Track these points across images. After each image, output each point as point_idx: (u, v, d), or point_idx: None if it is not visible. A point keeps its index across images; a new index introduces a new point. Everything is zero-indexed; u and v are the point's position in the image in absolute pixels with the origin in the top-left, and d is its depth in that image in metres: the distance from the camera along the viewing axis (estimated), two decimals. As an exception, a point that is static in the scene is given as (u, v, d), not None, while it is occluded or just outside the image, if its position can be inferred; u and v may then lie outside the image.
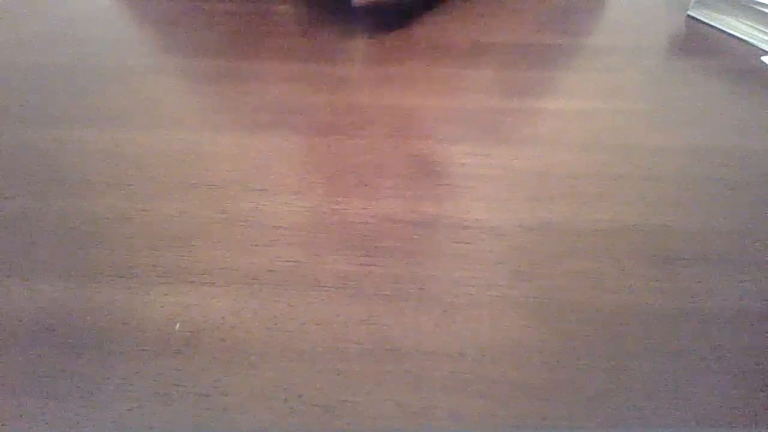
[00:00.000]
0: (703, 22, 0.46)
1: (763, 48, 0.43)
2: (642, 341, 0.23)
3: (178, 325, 0.23)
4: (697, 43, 0.44)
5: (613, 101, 0.37)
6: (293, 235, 0.27)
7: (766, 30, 0.43)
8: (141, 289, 0.25)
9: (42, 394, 0.21)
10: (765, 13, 0.43)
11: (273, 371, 0.22)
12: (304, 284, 0.25)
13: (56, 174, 0.31)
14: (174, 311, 0.24)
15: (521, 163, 0.32)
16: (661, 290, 0.25)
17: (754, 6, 0.43)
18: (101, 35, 0.45)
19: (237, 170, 0.31)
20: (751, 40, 0.43)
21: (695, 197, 0.30)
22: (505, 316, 0.24)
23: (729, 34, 0.45)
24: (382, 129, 0.34)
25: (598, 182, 0.30)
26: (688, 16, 0.47)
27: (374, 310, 0.24)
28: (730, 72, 0.40)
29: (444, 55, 0.42)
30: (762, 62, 0.41)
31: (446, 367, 0.22)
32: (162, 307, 0.24)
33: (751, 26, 0.44)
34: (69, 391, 0.21)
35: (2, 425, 0.20)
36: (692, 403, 0.21)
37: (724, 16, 0.45)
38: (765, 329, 0.23)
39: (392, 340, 0.23)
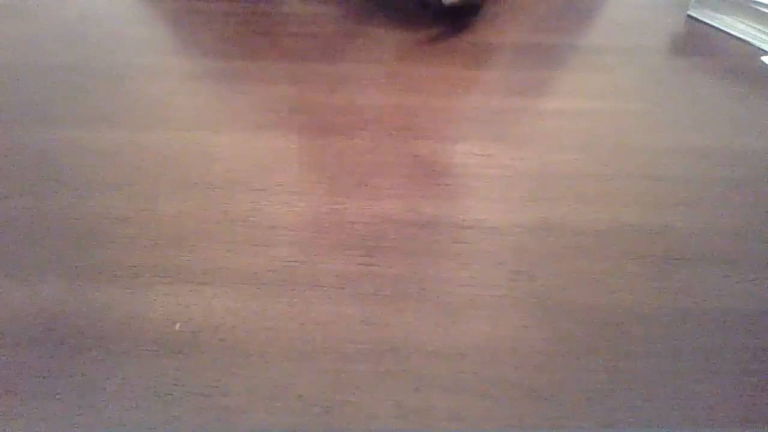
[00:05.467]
0: (703, 22, 0.46)
1: (763, 48, 0.43)
2: (642, 341, 0.23)
3: (178, 325, 0.23)
4: (697, 43, 0.44)
5: (613, 101, 0.37)
6: (293, 235, 0.27)
7: (766, 30, 0.43)
8: (141, 289, 0.25)
9: (41, 394, 0.21)
10: (765, 13, 0.43)
11: (273, 371, 0.22)
12: (304, 284, 0.25)
13: (56, 174, 0.31)
14: (174, 311, 0.24)
15: (521, 163, 0.32)
16: (661, 290, 0.25)
17: (754, 6, 0.43)
18: (101, 35, 0.45)
19: (237, 170, 0.31)
20: (751, 40, 0.43)
21: (695, 197, 0.30)
22: (505, 316, 0.24)
23: (729, 34, 0.45)
24: (382, 129, 0.34)
25: (598, 182, 0.30)
26: (688, 16, 0.47)
27: (374, 310, 0.24)
28: (730, 72, 0.40)
29: (444, 55, 0.42)
30: (762, 62, 0.41)
31: (446, 367, 0.22)
32: (162, 307, 0.24)
33: (751, 26, 0.44)
34: (69, 391, 0.21)
35: (2, 425, 0.20)
36: (692, 403, 0.21)
37: (724, 16, 0.45)
38: (765, 329, 0.23)
39: (392, 340, 0.23)
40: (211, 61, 0.41)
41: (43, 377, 0.22)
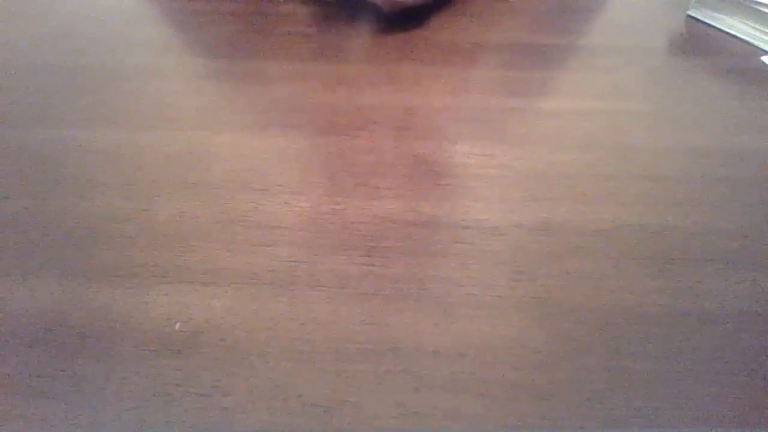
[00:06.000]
0: (703, 22, 0.46)
1: (763, 48, 0.43)
2: (642, 341, 0.23)
3: (178, 325, 0.23)
4: (697, 43, 0.44)
5: (613, 101, 0.37)
6: (293, 235, 0.27)
7: (766, 30, 0.43)
8: (141, 289, 0.25)
9: (42, 394, 0.21)
10: (765, 13, 0.43)
11: (273, 371, 0.22)
12: (304, 284, 0.25)
13: (56, 174, 0.31)
14: (174, 311, 0.24)
15: (521, 163, 0.32)
16: (661, 290, 0.25)
17: (754, 6, 0.43)
18: (102, 35, 0.45)
19: (237, 170, 0.31)
20: (751, 40, 0.43)
21: (695, 197, 0.30)
22: (505, 316, 0.24)
23: (729, 34, 0.45)
24: (382, 129, 0.34)
25: (598, 182, 0.30)
26: (688, 16, 0.47)
27: (374, 310, 0.24)
28: (730, 72, 0.40)
29: (444, 55, 0.42)
30: (762, 62, 0.41)
31: (446, 367, 0.22)
32: (162, 307, 0.24)
33: (751, 26, 0.44)
34: (69, 391, 0.21)
35: (2, 425, 0.20)
36: (692, 403, 0.21)
37: (724, 16, 0.45)
38: (765, 329, 0.23)
39: (392, 340, 0.23)
40: (211, 61, 0.41)
41: (43, 377, 0.22)
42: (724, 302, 0.24)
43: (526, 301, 0.24)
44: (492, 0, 0.50)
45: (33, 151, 0.33)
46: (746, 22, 0.44)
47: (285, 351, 0.22)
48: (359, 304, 0.24)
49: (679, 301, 0.24)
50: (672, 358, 0.22)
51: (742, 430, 0.20)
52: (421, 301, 0.24)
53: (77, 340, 0.23)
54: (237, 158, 0.32)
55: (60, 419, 0.20)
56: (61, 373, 0.22)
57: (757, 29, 0.43)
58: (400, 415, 0.20)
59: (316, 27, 0.46)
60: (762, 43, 0.43)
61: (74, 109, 0.36)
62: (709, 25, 0.46)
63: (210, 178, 0.31)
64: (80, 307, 0.24)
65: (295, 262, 0.26)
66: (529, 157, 0.32)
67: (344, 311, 0.24)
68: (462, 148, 0.33)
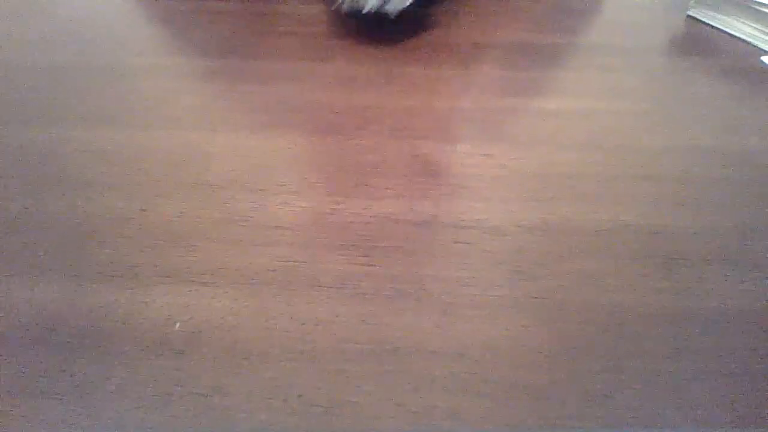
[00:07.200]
0: (703, 22, 0.46)
1: (763, 48, 0.43)
2: (642, 341, 0.23)
3: (178, 325, 0.23)
4: (697, 43, 0.44)
5: (613, 101, 0.37)
6: (293, 235, 0.27)
7: (766, 30, 0.43)
8: (141, 289, 0.25)
9: (41, 394, 0.21)
10: (765, 13, 0.43)
11: (273, 371, 0.22)
12: (304, 284, 0.25)
13: (56, 174, 0.31)
14: (174, 311, 0.24)
15: (521, 163, 0.32)
16: (661, 290, 0.25)
17: (754, 6, 0.43)
18: (101, 35, 0.45)
19: (237, 170, 0.31)
20: (751, 40, 0.43)
21: (695, 197, 0.30)
22: (505, 316, 0.24)
23: (729, 34, 0.45)
24: (382, 129, 0.34)
25: (598, 182, 0.30)
26: (688, 16, 0.47)
27: (374, 310, 0.24)
28: (730, 72, 0.40)
29: (444, 55, 0.42)
30: (762, 62, 0.41)
31: (446, 367, 0.22)
32: (162, 307, 0.24)
33: (751, 26, 0.44)
34: (69, 391, 0.21)
35: (2, 425, 0.20)
36: (692, 403, 0.21)
37: (724, 16, 0.45)
38: (765, 329, 0.23)
39: (392, 340, 0.23)
40: (210, 61, 0.41)
41: (43, 377, 0.22)
42: (724, 302, 0.24)
43: (526, 301, 0.24)
44: (492, 0, 0.50)
45: (33, 151, 0.33)
46: (746, 22, 0.44)
47: (285, 351, 0.22)
48: (359, 304, 0.24)
49: (679, 301, 0.24)
50: (672, 358, 0.22)
51: (742, 430, 0.20)
52: (421, 301, 0.24)
53: (77, 340, 0.23)
54: (237, 158, 0.32)
55: (60, 419, 0.20)
56: (61, 373, 0.22)
57: (757, 29, 0.43)
58: (400, 415, 0.20)
59: (316, 27, 0.46)
60: (762, 43, 0.43)
61: (74, 109, 0.36)
62: (709, 25, 0.46)
63: (210, 178, 0.31)
64: (80, 307, 0.24)
65: (295, 262, 0.26)
66: (528, 157, 0.32)
67: (344, 311, 0.24)
68: (462, 148, 0.33)
